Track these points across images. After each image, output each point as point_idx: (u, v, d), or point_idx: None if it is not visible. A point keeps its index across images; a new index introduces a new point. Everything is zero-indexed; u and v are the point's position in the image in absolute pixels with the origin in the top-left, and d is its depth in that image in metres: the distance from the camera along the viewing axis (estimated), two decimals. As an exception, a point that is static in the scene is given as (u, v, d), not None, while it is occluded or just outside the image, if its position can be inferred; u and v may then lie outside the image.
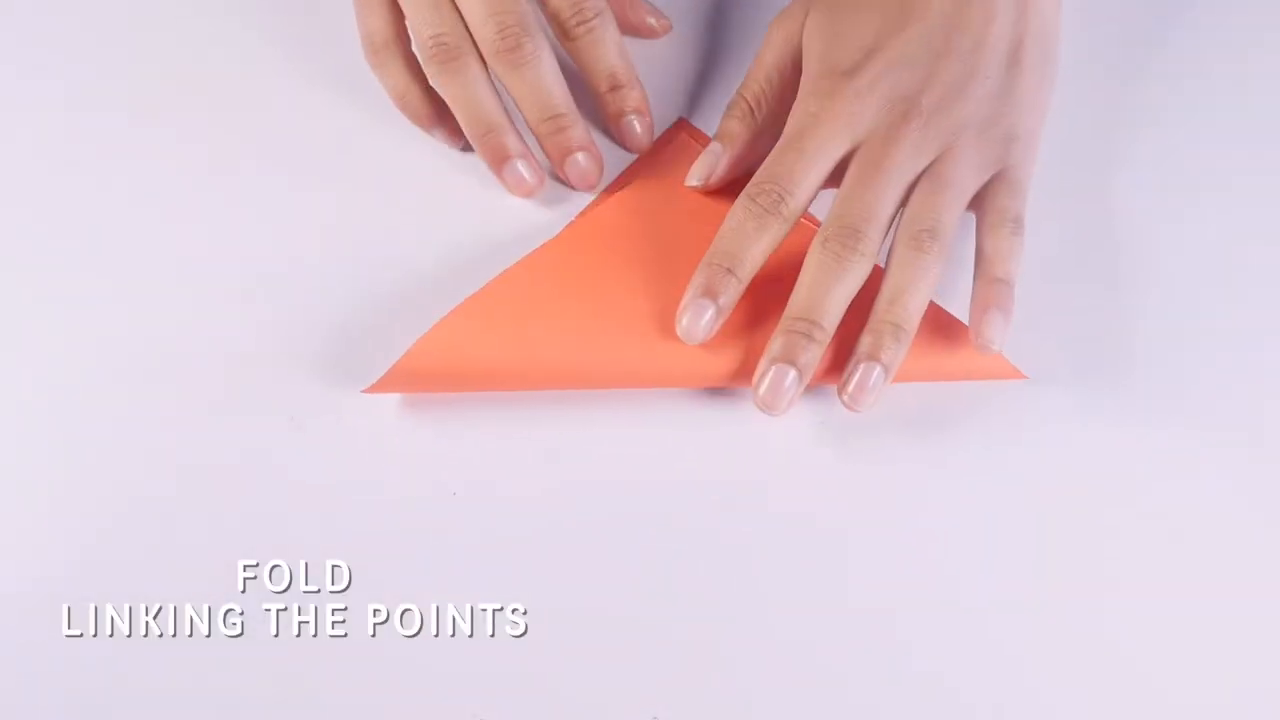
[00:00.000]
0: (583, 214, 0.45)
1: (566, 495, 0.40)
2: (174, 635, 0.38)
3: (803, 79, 0.43)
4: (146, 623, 0.38)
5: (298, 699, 0.37)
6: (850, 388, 0.39)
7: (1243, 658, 0.38)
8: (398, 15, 0.45)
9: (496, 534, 0.39)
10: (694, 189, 0.44)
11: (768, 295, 0.41)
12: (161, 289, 0.44)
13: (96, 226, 0.45)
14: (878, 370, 0.39)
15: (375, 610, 0.38)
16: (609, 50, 0.45)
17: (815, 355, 0.39)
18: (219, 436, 0.41)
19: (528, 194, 0.46)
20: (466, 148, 0.47)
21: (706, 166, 0.44)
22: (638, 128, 0.46)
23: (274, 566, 0.39)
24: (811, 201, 0.41)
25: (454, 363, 0.40)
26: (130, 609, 0.38)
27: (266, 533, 0.39)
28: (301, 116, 0.48)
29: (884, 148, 0.41)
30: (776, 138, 0.43)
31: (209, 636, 0.38)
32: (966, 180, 0.41)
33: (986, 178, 0.42)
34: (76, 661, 0.37)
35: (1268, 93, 0.50)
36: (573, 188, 0.46)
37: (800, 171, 0.41)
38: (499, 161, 0.45)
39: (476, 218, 0.46)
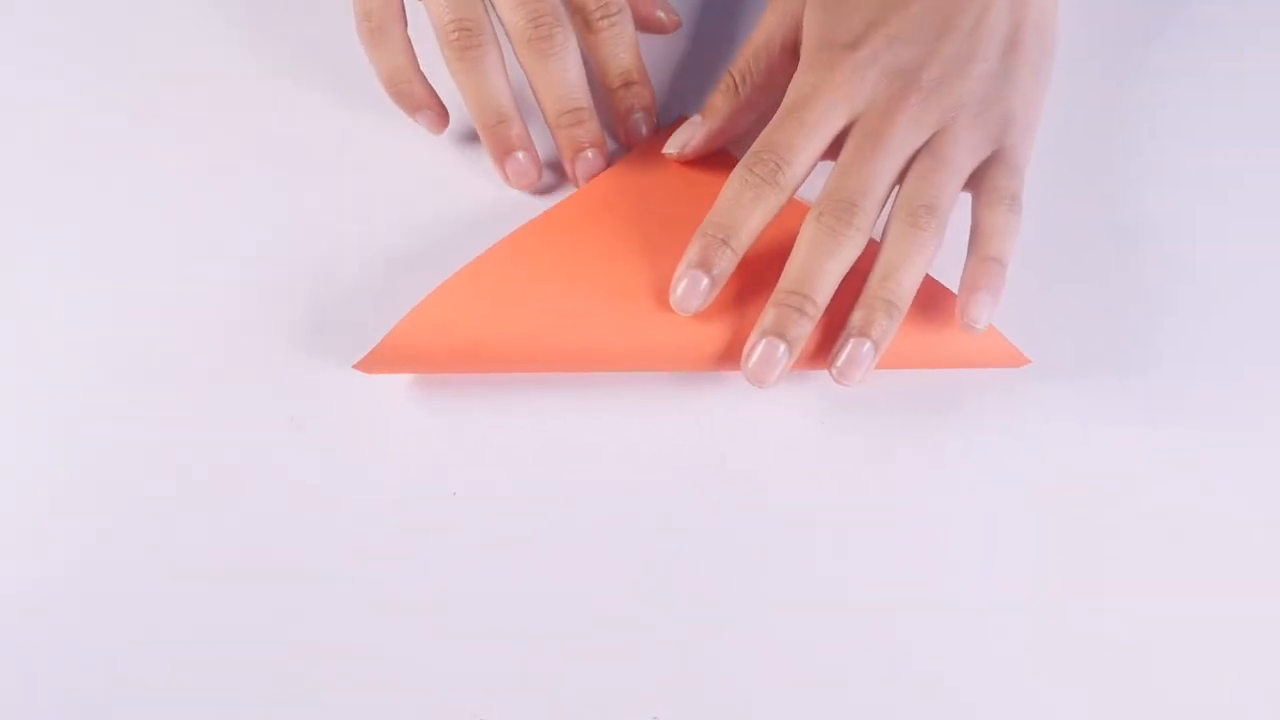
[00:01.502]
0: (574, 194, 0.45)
1: (567, 495, 0.40)
2: (174, 635, 0.38)
3: (803, 50, 0.43)
4: (147, 623, 0.38)
5: (298, 699, 0.37)
6: (840, 362, 0.39)
7: (1243, 658, 0.38)
8: None
9: (496, 534, 0.39)
10: (674, 159, 0.45)
11: (761, 274, 0.41)
12: (161, 288, 0.44)
13: (96, 226, 0.45)
14: (868, 345, 0.39)
15: (375, 610, 0.38)
16: (627, 46, 0.45)
17: (806, 329, 0.39)
18: (218, 436, 0.41)
19: (527, 186, 0.46)
20: (440, 132, 0.47)
21: (684, 136, 0.45)
22: (643, 126, 0.46)
23: (274, 566, 0.39)
24: (810, 172, 0.41)
25: (444, 338, 0.40)
26: (130, 609, 0.38)
27: (266, 532, 0.39)
28: (300, 116, 0.48)
29: (882, 121, 0.41)
30: (760, 114, 0.43)
31: (209, 636, 0.38)
32: (964, 159, 0.41)
33: (983, 157, 0.42)
34: (76, 661, 0.37)
35: (1270, 88, 0.50)
36: (574, 183, 0.46)
37: (799, 142, 0.41)
38: (504, 152, 0.45)
39: (480, 214, 0.46)
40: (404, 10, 0.44)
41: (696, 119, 0.45)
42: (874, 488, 0.41)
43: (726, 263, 0.40)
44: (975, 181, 0.42)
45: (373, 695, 0.37)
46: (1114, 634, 0.38)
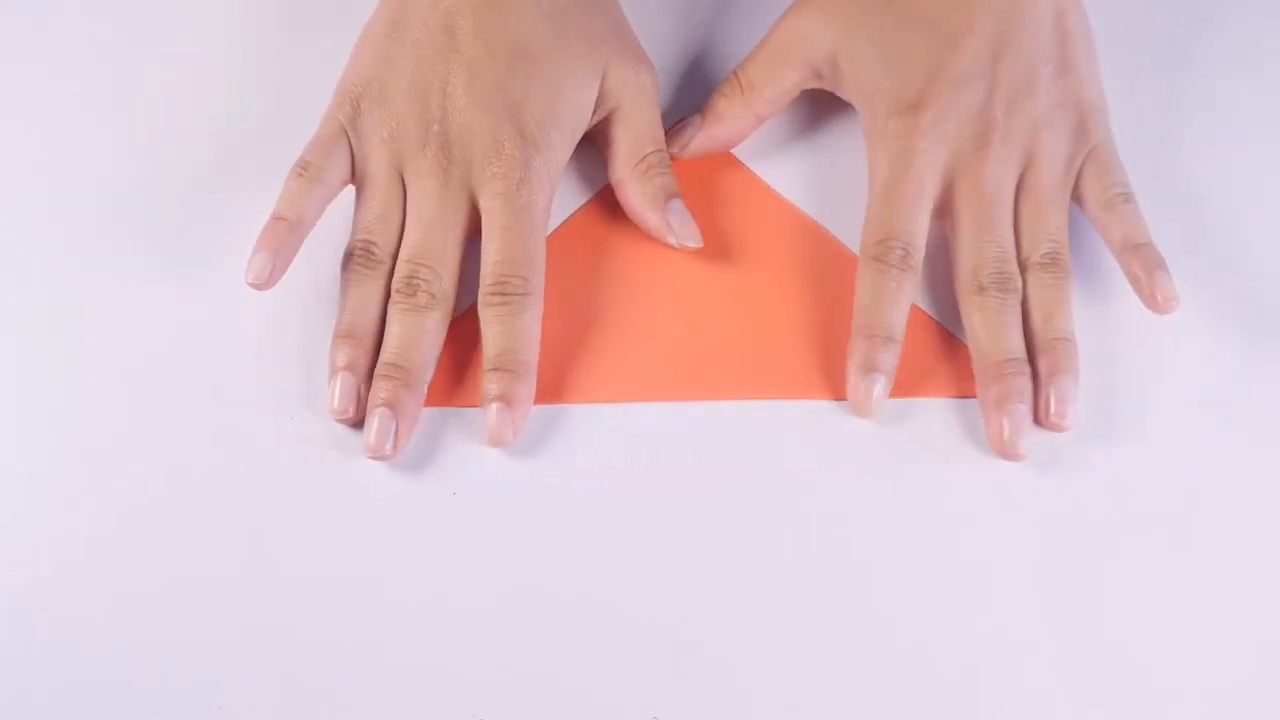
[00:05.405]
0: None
1: (566, 495, 0.40)
2: (174, 636, 0.38)
3: (869, 117, 0.44)
4: (146, 623, 0.38)
5: (298, 699, 0.37)
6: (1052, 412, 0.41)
7: (1244, 659, 0.38)
8: None
9: (496, 534, 0.39)
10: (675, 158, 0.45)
11: (768, 309, 0.43)
12: (162, 288, 0.44)
13: (99, 227, 0.45)
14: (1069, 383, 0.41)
15: (375, 610, 0.38)
16: (507, 333, 0.40)
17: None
18: (217, 438, 0.41)
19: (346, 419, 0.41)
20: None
21: (685, 136, 0.45)
22: (494, 418, 0.40)
23: (273, 566, 0.39)
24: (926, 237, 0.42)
25: (456, 371, 0.42)
26: (130, 609, 0.38)
27: (266, 532, 0.39)
28: (299, 122, 0.48)
29: (977, 175, 0.42)
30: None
31: (208, 637, 0.38)
32: (1063, 180, 0.43)
33: (1078, 167, 0.43)
34: (76, 661, 0.37)
35: (1272, 95, 0.50)
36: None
37: (911, 221, 0.42)
38: (333, 370, 0.41)
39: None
40: (346, 184, 0.43)
41: (696, 119, 0.45)
42: (874, 490, 0.40)
43: (893, 357, 0.41)
44: (1079, 191, 0.43)
45: (372, 695, 0.37)
46: (1114, 639, 0.38)
